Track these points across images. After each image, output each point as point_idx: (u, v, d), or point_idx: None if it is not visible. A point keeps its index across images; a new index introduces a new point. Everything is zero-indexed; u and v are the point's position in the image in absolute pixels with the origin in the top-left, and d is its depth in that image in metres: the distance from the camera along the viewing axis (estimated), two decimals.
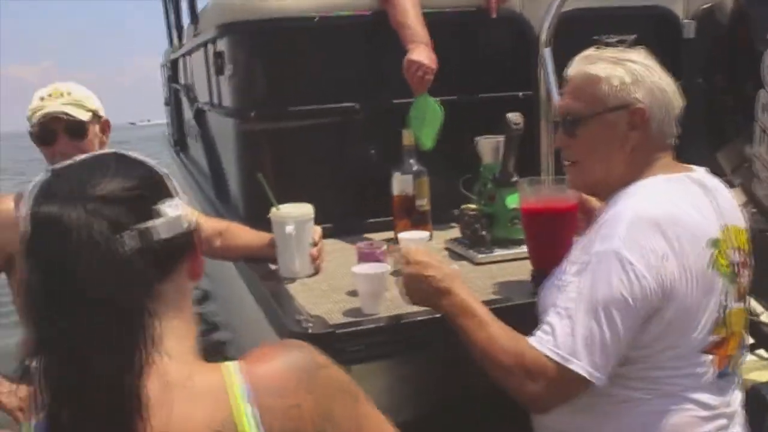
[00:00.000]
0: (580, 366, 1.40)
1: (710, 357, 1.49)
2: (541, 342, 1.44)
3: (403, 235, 2.21)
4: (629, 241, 1.41)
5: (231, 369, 0.97)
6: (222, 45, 2.92)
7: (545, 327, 1.46)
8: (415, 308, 1.78)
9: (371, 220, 2.67)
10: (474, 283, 2.05)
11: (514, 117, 2.17)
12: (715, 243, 1.49)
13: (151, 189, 1.01)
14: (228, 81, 2.82)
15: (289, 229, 2.13)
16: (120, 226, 0.94)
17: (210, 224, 2.37)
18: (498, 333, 1.50)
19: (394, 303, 1.85)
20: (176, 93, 5.40)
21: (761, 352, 2.17)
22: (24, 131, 2.23)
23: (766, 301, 2.09)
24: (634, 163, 1.57)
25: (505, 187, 2.26)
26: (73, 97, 2.20)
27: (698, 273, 1.45)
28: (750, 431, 1.63)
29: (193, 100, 4.22)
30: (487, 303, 1.87)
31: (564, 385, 1.42)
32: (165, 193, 1.02)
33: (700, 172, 1.62)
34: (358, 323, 1.78)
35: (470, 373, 1.62)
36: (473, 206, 2.36)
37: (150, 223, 0.97)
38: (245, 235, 2.36)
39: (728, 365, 1.54)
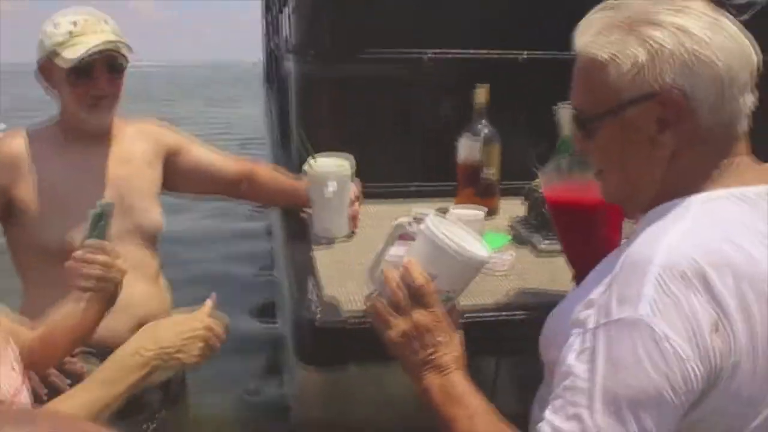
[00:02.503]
0: None
1: None
2: None
3: (454, 211, 1.91)
4: (662, 304, 0.98)
5: None
6: None
7: (545, 428, 1.03)
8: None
9: (431, 185, 2.37)
10: (532, 276, 1.75)
11: None
12: None
13: None
14: (290, 18, 2.55)
15: (330, 189, 1.88)
16: None
17: (234, 166, 2.18)
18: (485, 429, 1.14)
19: None
20: (267, 28, 5.20)
21: None
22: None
23: None
24: (677, 171, 1.10)
25: (583, 167, 1.90)
26: (113, 25, 1.95)
27: (765, 341, 1.01)
28: None
29: (271, 37, 3.99)
30: (540, 300, 1.60)
31: None
32: None
33: None
34: None
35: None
36: None
37: None
38: (276, 180, 2.21)
39: None
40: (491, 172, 2.20)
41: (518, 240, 2.01)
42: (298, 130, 1.96)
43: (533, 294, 1.66)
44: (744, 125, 1.10)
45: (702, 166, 1.10)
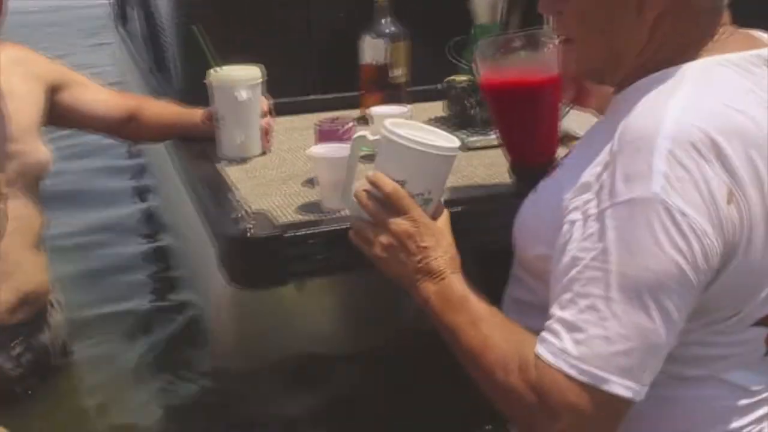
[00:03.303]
0: (622, 385, 0.91)
1: (765, 331, 1.03)
2: (555, 354, 0.93)
3: (376, 110, 1.75)
4: (675, 178, 0.89)
5: None
6: None
7: (555, 326, 0.94)
8: None
9: (333, 96, 2.19)
10: (466, 172, 1.62)
11: None
12: None
13: None
14: None
15: (242, 95, 1.68)
16: None
17: (121, 103, 1.92)
18: (497, 335, 1.01)
19: None
20: None
21: None
22: None
23: None
24: (660, 39, 1.01)
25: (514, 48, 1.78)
26: None
27: None
28: None
29: None
30: (484, 196, 1.48)
31: (597, 413, 0.92)
32: None
33: None
34: (314, 223, 1.33)
35: None
36: (463, 77, 1.89)
37: None
38: (166, 110, 1.95)
39: None
40: (399, 74, 2.04)
41: None
42: (196, 35, 1.71)
43: (475, 188, 1.53)
44: None
45: (687, 33, 1.01)
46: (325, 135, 1.55)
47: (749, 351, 1.03)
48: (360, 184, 1.15)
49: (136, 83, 3.24)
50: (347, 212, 1.30)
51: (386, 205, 1.10)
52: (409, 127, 1.15)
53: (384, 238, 1.11)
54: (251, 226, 1.28)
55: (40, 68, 1.83)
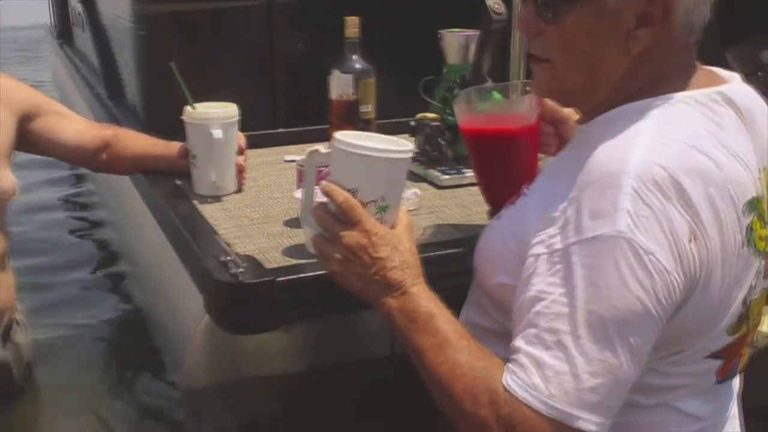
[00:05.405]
0: (590, 421, 0.92)
1: (717, 363, 1.07)
2: (525, 389, 0.93)
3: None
4: (641, 216, 0.91)
5: None
6: None
7: (524, 360, 0.94)
8: None
9: (302, 129, 2.20)
10: (441, 212, 1.65)
11: (495, 4, 1.72)
12: (753, 205, 1.00)
13: None
14: None
15: (217, 133, 1.69)
16: None
17: (93, 132, 1.90)
18: (464, 362, 0.99)
19: None
20: None
21: None
22: None
23: None
24: (637, 72, 1.03)
25: (489, 95, 1.82)
26: None
27: (732, 253, 0.98)
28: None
29: None
30: (457, 239, 1.50)
31: None
32: None
33: (733, 84, 1.06)
34: (305, 267, 1.34)
35: None
36: (433, 115, 1.93)
37: None
38: (142, 142, 1.91)
39: (736, 367, 1.12)
40: (368, 110, 2.07)
41: (411, 179, 1.90)
42: (173, 72, 1.70)
43: (454, 228, 1.56)
44: (698, 34, 1.04)
45: (660, 68, 1.03)
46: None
47: (701, 381, 1.06)
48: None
49: (87, 106, 3.19)
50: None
51: (339, 216, 1.07)
52: (360, 137, 1.12)
53: (338, 253, 1.07)
54: (242, 271, 1.28)
55: (15, 96, 1.80)
